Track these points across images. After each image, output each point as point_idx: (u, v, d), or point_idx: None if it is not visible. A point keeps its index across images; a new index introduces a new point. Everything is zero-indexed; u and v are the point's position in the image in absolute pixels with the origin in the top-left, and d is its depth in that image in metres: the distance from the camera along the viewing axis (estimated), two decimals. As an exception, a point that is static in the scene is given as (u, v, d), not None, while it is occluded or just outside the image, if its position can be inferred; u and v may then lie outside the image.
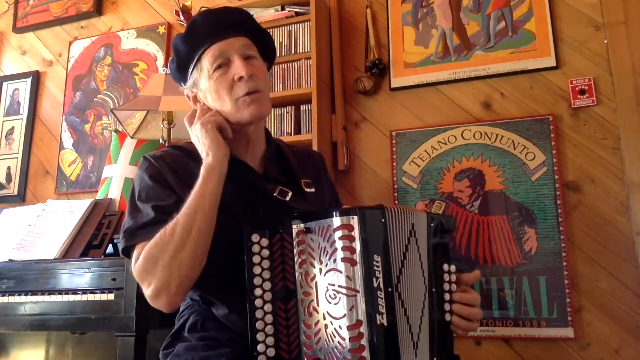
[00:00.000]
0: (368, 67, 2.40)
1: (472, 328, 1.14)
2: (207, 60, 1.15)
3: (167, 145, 2.20)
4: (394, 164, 2.31)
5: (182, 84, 1.23)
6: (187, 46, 1.17)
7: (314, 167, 1.35)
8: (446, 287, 1.14)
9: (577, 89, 2.11)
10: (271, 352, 1.01)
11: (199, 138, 1.12)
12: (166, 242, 1.01)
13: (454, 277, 1.15)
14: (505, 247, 2.08)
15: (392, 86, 2.39)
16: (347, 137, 2.40)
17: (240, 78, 1.12)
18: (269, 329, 1.02)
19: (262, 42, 1.22)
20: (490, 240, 2.10)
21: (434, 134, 2.27)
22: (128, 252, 1.09)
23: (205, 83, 1.17)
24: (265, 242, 1.05)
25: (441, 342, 1.11)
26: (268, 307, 1.03)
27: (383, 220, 1.03)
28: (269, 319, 1.03)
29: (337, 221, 1.01)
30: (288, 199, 1.17)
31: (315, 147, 2.16)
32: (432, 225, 1.14)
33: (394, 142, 2.33)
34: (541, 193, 2.08)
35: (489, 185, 2.16)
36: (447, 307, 1.13)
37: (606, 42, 2.11)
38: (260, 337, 1.02)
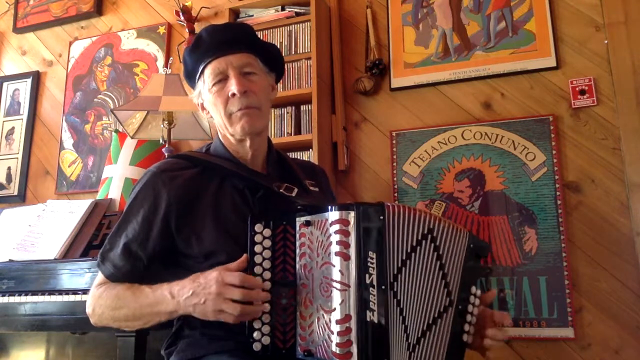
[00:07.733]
0: (368, 67, 2.40)
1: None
2: (208, 75, 1.23)
3: (167, 145, 2.21)
4: (394, 164, 2.31)
5: (192, 90, 1.32)
6: (192, 59, 1.26)
7: (316, 177, 1.40)
8: (470, 308, 1.14)
9: (577, 89, 2.11)
10: (266, 340, 1.03)
11: (201, 301, 1.02)
12: (111, 307, 1.15)
13: (477, 301, 1.16)
14: (505, 247, 2.08)
15: (392, 86, 2.39)
16: (347, 137, 2.40)
17: (234, 95, 1.19)
18: (266, 318, 1.04)
19: (265, 54, 1.27)
20: (490, 240, 2.09)
21: (434, 134, 2.27)
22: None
23: (207, 94, 1.25)
24: (267, 232, 1.07)
25: (450, 357, 1.10)
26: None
27: (382, 217, 1.03)
28: (267, 307, 1.04)
29: (334, 215, 1.03)
30: (294, 194, 1.21)
31: (315, 147, 2.16)
32: (472, 246, 1.15)
33: (394, 142, 2.33)
34: (541, 193, 2.08)
35: (489, 185, 2.16)
36: (467, 327, 1.14)
37: (606, 42, 2.11)
38: (256, 324, 1.04)
